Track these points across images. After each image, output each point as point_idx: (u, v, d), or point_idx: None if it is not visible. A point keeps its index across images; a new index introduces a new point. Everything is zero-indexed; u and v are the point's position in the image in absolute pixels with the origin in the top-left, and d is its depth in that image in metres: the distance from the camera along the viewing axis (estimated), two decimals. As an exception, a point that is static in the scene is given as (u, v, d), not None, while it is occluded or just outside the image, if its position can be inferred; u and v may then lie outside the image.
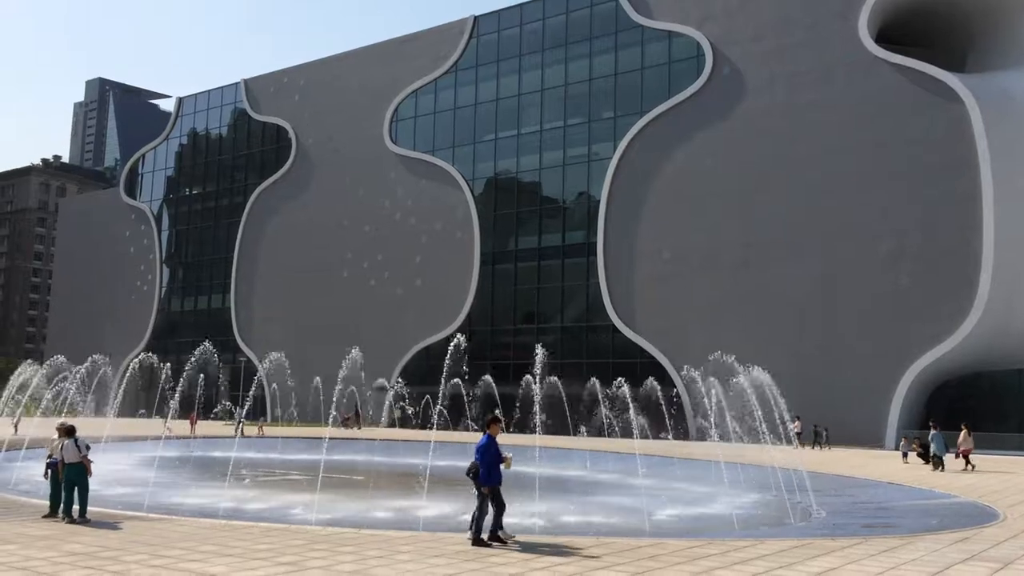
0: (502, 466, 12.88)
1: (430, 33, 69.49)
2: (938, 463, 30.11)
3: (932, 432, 31.46)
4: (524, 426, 44.79)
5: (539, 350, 28.60)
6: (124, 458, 30.01)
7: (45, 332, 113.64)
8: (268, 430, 50.30)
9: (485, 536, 12.73)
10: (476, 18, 66.76)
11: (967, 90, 44.90)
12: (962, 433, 31.19)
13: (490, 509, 12.82)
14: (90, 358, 30.92)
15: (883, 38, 49.20)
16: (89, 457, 14.69)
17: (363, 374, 50.68)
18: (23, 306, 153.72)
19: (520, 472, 27.47)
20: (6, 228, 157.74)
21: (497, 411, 15.33)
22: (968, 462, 30.23)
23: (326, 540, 12.86)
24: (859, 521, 17.28)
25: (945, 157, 45.07)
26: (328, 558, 11.37)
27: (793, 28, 51.22)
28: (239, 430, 47.28)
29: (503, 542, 12.68)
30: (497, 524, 12.85)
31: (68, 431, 14.62)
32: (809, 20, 50.83)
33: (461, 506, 19.40)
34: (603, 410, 30.71)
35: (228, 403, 56.29)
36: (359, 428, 54.42)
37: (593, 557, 11.86)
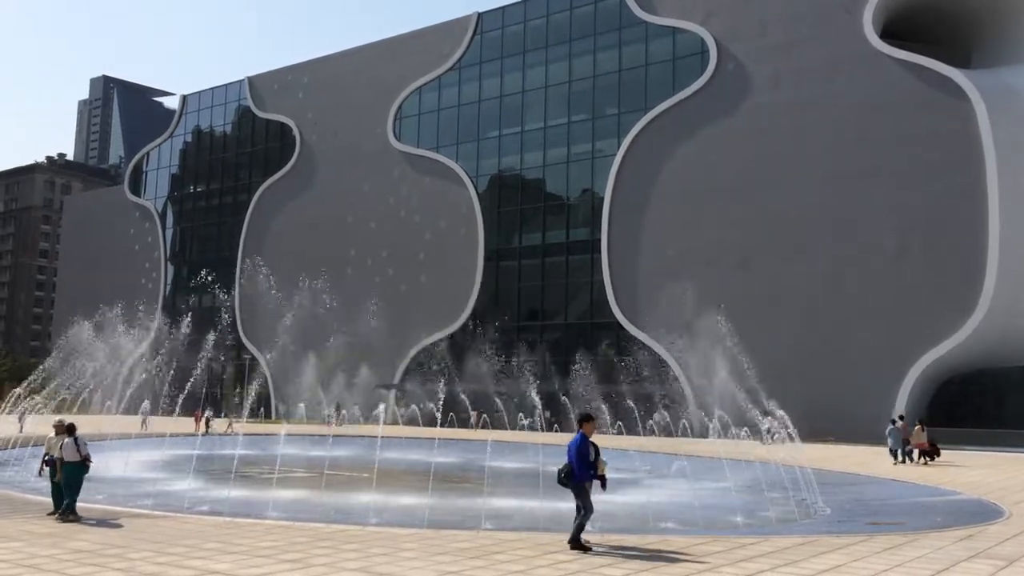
0: (596, 470, 12.34)
1: (434, 30, 69.46)
2: (896, 457, 31.39)
3: (890, 427, 32.70)
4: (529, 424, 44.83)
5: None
6: (126, 457, 30.05)
7: (51, 330, 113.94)
8: (252, 428, 50.11)
9: (584, 538, 12.20)
10: (480, 15, 66.70)
11: (972, 86, 44.75)
12: (916, 428, 32.33)
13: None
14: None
15: (888, 34, 49.04)
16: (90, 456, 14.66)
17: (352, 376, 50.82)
18: (28, 304, 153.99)
19: (527, 468, 27.46)
20: (11, 226, 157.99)
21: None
22: (923, 456, 31.36)
23: (330, 537, 12.87)
24: (864, 518, 17.25)
25: (950, 153, 44.93)
26: (332, 555, 11.38)
27: (797, 24, 51.07)
28: (207, 427, 46.90)
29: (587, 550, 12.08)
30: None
31: (69, 429, 14.56)
32: (813, 16, 50.69)
33: (465, 504, 19.42)
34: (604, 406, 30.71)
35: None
36: (340, 425, 54.52)
37: (598, 554, 11.86)
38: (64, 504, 14.17)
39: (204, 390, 45.31)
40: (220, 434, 43.95)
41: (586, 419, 12.63)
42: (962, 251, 44.14)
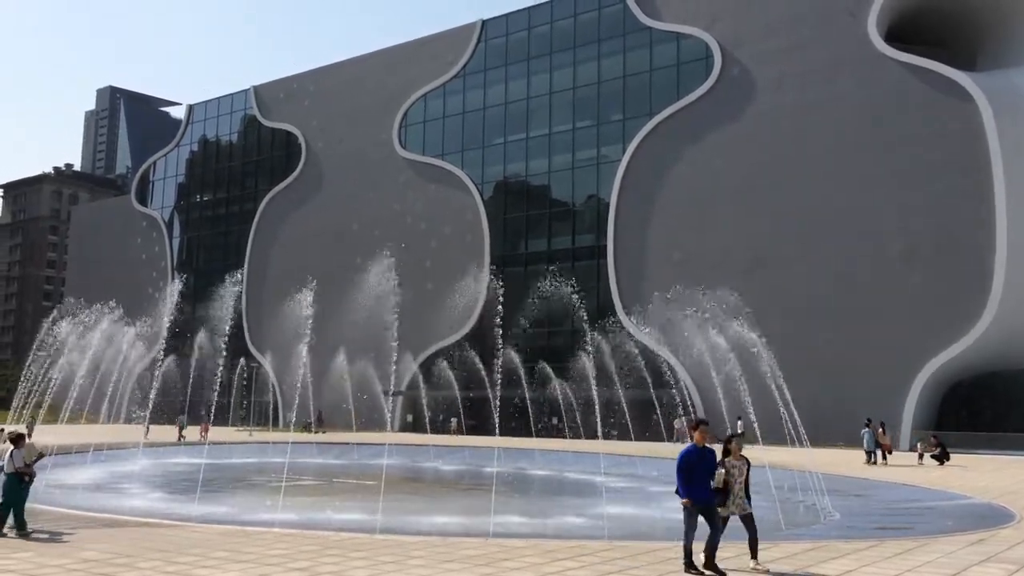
0: (712, 482, 11.12)
1: (439, 37, 69.62)
2: (870, 457, 33.38)
3: (865, 430, 34.24)
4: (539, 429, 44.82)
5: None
6: (130, 467, 30.12)
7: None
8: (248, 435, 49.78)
9: (698, 560, 10.93)
10: (484, 22, 66.83)
11: (978, 88, 44.67)
12: (879, 431, 34.38)
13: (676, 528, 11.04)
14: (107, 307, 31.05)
15: (892, 37, 49.01)
16: (34, 467, 14.24)
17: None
18: (36, 315, 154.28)
19: (534, 475, 27.45)
20: (18, 236, 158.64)
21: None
22: (885, 456, 33.75)
23: (338, 545, 12.87)
24: (873, 523, 17.17)
25: (957, 156, 44.85)
26: (341, 564, 11.38)
27: (802, 28, 51.08)
28: (180, 435, 46.41)
29: (720, 573, 10.75)
30: (711, 548, 10.88)
31: (14, 440, 14.20)
32: (818, 19, 50.69)
33: (474, 510, 19.39)
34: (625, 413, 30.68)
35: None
36: (323, 432, 54.66)
37: (607, 561, 11.83)
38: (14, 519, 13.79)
39: (181, 399, 45.12)
40: (194, 443, 43.43)
41: (698, 426, 11.37)
42: (969, 253, 44.01)
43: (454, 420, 54.16)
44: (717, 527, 11.05)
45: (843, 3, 49.90)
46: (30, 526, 13.98)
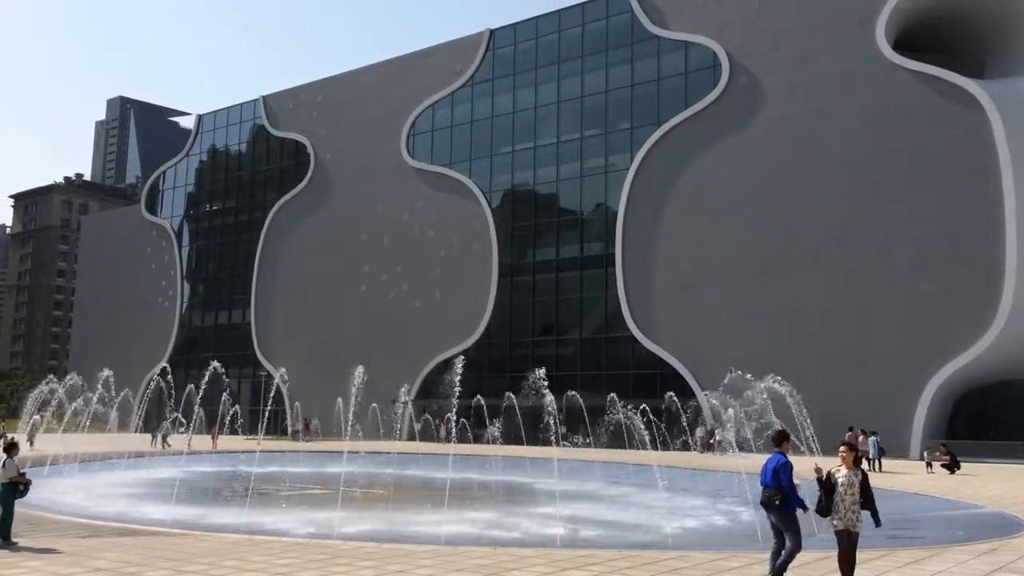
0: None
1: (446, 47, 69.81)
2: (874, 464, 33.96)
3: (872, 437, 35.05)
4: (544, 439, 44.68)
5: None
6: (140, 476, 30.21)
7: (68, 348, 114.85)
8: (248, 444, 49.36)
9: None
10: (492, 31, 67.02)
11: (987, 96, 44.54)
12: (861, 438, 34.70)
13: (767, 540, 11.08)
14: (105, 372, 31.35)
15: (901, 46, 48.93)
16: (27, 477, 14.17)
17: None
18: (46, 323, 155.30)
19: (540, 485, 27.43)
20: (29, 246, 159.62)
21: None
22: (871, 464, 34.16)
23: (347, 555, 12.87)
24: (884, 532, 17.05)
25: (966, 164, 44.70)
26: (349, 573, 11.39)
27: (810, 36, 51.03)
28: (164, 443, 45.83)
29: None
30: (785, 562, 11.08)
31: (7, 449, 14.09)
32: (826, 28, 50.63)
33: (482, 519, 19.36)
34: (624, 421, 30.57)
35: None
36: (310, 440, 54.60)
37: (616, 571, 11.80)
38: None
39: (224, 408, 45.23)
40: (181, 452, 43.08)
41: (784, 436, 11.46)
42: (980, 262, 43.83)
43: (446, 429, 54.12)
44: (786, 542, 11.02)
45: (852, 12, 49.86)
46: (41, 535, 14.00)
